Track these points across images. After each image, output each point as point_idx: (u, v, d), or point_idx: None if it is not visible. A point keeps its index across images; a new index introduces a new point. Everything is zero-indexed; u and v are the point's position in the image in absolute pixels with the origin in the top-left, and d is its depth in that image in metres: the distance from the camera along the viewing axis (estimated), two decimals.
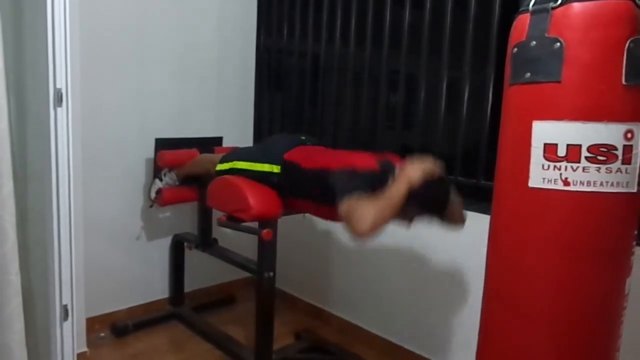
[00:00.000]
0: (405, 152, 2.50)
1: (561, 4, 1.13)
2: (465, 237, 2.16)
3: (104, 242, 2.60)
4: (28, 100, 1.89)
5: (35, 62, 1.81)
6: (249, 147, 2.80)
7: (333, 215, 1.75)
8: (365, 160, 1.82)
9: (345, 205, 1.64)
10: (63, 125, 1.78)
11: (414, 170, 1.62)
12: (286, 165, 2.01)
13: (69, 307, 1.89)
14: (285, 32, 3.04)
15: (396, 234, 2.41)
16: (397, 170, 1.68)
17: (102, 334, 2.59)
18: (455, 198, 1.75)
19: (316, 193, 1.90)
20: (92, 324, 2.51)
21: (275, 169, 2.03)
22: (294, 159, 2.00)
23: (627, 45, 1.09)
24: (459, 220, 1.82)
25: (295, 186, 2.00)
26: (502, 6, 2.04)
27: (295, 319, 2.82)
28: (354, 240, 1.65)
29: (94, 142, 2.44)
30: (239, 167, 2.16)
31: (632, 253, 1.24)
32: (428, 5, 2.30)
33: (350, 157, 1.91)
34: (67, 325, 1.90)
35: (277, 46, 3.10)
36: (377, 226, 1.58)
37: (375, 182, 1.68)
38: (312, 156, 1.99)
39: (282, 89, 3.13)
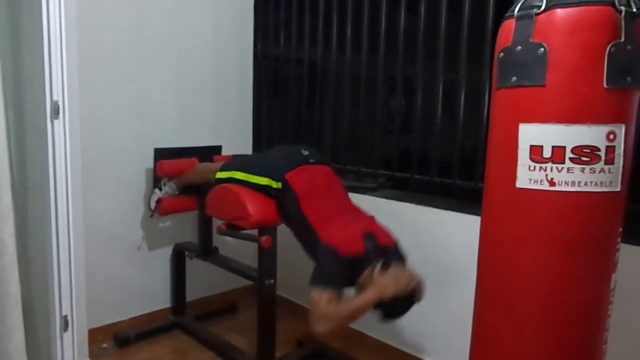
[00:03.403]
0: (405, 158, 2.51)
1: (545, 10, 1.16)
2: (463, 240, 2.16)
3: (105, 253, 2.61)
4: (27, 113, 1.91)
5: (33, 75, 1.83)
6: (248, 157, 2.79)
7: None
8: (353, 236, 1.81)
9: (315, 295, 1.72)
10: (60, 137, 1.80)
11: (388, 284, 1.65)
12: (286, 188, 2.01)
13: (69, 318, 1.90)
14: (282, 39, 3.06)
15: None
16: (375, 270, 1.71)
17: (105, 345, 2.58)
18: (419, 293, 1.77)
19: (304, 242, 1.99)
20: (95, 335, 2.50)
21: (275, 184, 2.04)
22: (296, 186, 1.99)
23: (608, 49, 1.13)
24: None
25: (289, 216, 2.03)
26: (495, 10, 2.05)
27: (297, 325, 2.80)
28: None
29: (94, 152, 2.45)
30: (238, 177, 2.16)
31: (618, 249, 1.27)
32: (423, 10, 2.32)
33: (343, 217, 1.93)
34: (67, 335, 1.91)
35: (275, 54, 3.12)
36: (335, 331, 1.70)
37: (355, 270, 1.74)
38: (313, 192, 1.99)
39: (281, 96, 3.14)
